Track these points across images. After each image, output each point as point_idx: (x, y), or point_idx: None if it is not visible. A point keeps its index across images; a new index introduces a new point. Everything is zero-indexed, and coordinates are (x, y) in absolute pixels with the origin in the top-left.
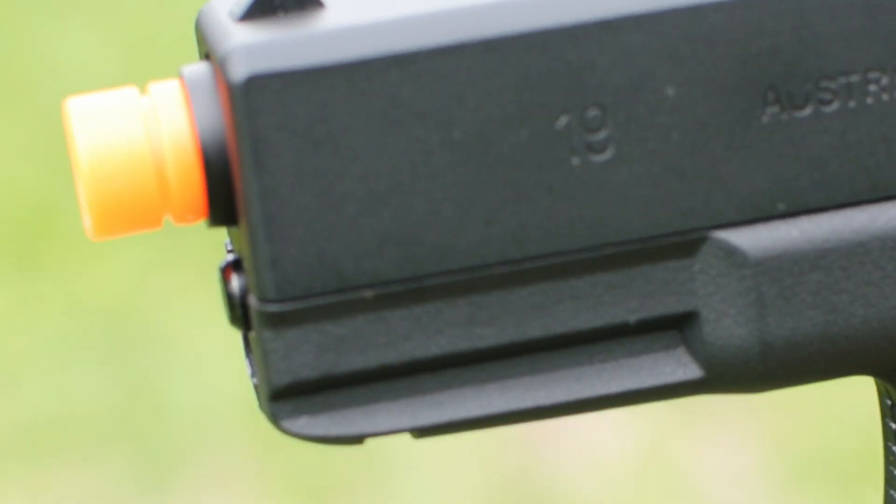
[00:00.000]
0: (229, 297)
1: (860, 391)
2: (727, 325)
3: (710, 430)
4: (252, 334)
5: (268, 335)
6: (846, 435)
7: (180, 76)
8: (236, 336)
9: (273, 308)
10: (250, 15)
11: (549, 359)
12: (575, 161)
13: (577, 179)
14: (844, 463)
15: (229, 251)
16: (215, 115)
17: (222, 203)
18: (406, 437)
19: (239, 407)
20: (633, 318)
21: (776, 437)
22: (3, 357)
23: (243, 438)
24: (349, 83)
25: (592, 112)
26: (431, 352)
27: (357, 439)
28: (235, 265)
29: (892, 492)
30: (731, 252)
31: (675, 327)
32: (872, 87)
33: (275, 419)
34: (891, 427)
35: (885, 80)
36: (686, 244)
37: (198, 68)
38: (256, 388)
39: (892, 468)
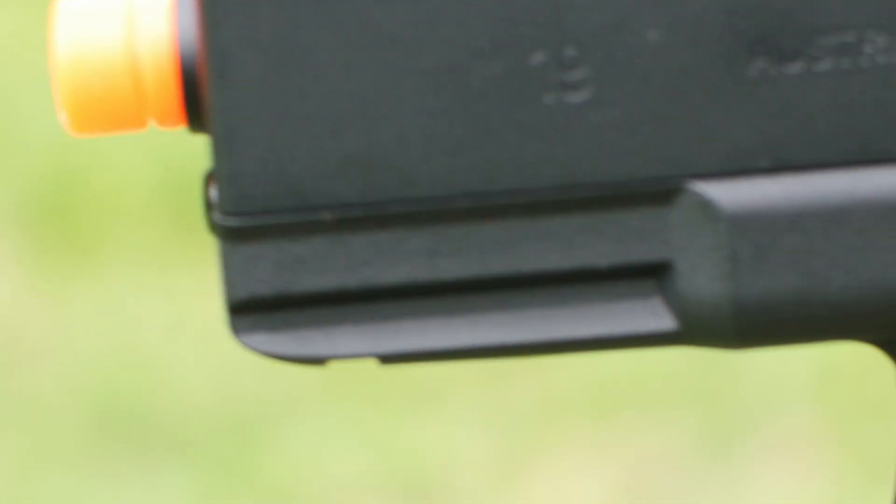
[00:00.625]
0: (207, 205)
1: None
2: (700, 279)
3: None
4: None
5: (227, 248)
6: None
7: None
8: None
9: (231, 221)
10: None
11: (520, 297)
12: (548, 99)
13: (549, 118)
14: None
15: None
16: (195, 23)
17: (199, 113)
18: None
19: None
20: (604, 262)
21: None
22: None
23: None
24: (317, 2)
25: (569, 51)
26: (393, 279)
27: (318, 361)
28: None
29: None
30: (706, 204)
31: (652, 276)
32: (868, 48)
33: (234, 332)
34: None
35: (881, 42)
36: (662, 193)
37: None
38: None
39: None
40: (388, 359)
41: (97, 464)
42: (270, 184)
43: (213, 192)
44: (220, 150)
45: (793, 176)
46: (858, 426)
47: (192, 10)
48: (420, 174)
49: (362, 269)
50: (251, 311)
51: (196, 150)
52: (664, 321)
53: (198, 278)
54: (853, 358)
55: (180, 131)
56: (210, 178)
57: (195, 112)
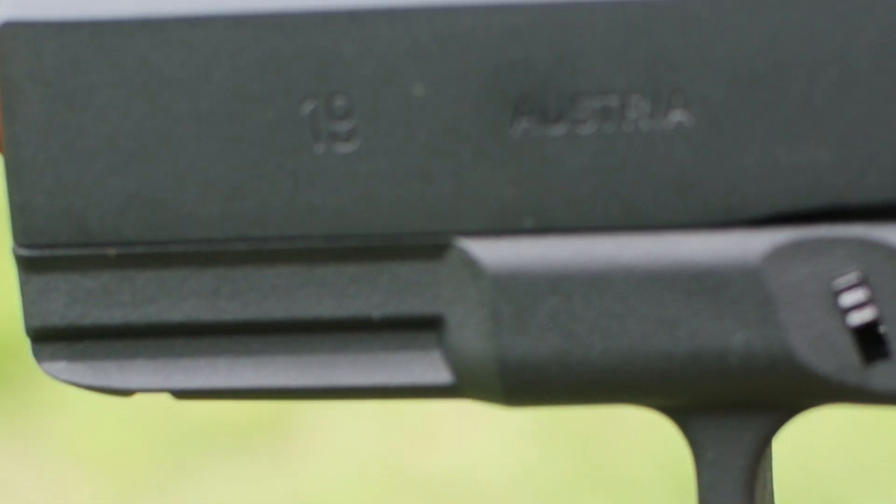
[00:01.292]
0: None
1: None
2: (468, 335)
3: None
4: None
5: (22, 277)
6: None
7: None
8: None
9: (22, 252)
10: None
11: (304, 342)
12: (319, 148)
13: (320, 166)
14: None
15: None
16: None
17: None
18: None
19: None
20: (377, 313)
21: None
22: None
23: None
24: (99, 42)
25: (339, 101)
26: (176, 317)
27: (119, 392)
28: None
29: None
30: (471, 262)
31: (430, 329)
32: (631, 113)
33: (36, 359)
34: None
35: (644, 106)
36: (432, 247)
37: None
38: None
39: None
40: (180, 394)
41: None
42: (58, 217)
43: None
44: (10, 182)
45: (557, 238)
46: None
47: None
48: (197, 216)
49: (147, 305)
50: (50, 339)
51: None
52: (441, 374)
53: None
54: None
55: None
56: None
57: None
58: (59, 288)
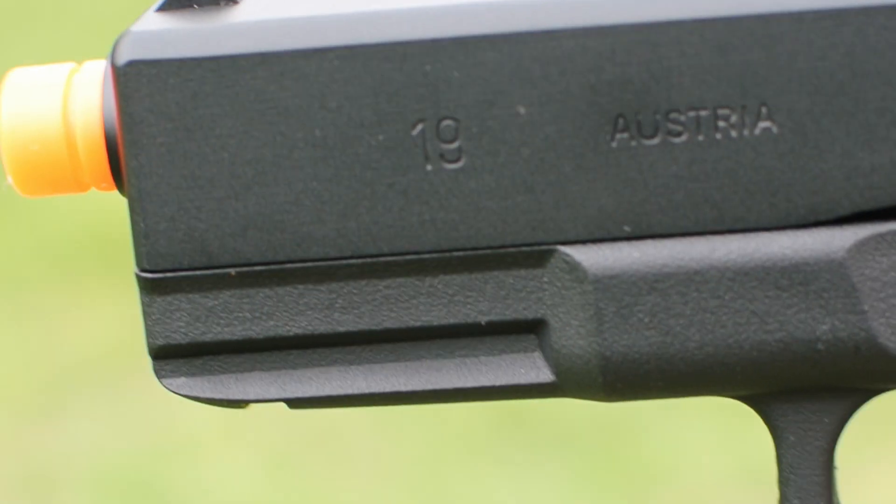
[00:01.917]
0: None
1: None
2: (570, 336)
3: None
4: None
5: (145, 299)
6: None
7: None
8: None
9: (146, 276)
10: (168, 6)
11: (412, 349)
12: (429, 167)
13: (430, 185)
14: None
15: None
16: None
17: (122, 177)
18: None
19: None
20: (484, 319)
21: None
22: None
23: None
24: (219, 76)
25: (447, 123)
26: (293, 331)
27: (236, 403)
28: None
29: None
30: (574, 267)
31: (532, 332)
32: (721, 123)
33: (157, 376)
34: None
35: (734, 118)
36: (535, 255)
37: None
38: None
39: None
40: (294, 403)
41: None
42: (180, 242)
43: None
44: (135, 211)
45: (652, 242)
46: None
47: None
48: (314, 235)
49: (266, 320)
50: (170, 357)
51: None
52: (542, 374)
53: None
54: None
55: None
56: None
57: (119, 176)
58: (181, 308)
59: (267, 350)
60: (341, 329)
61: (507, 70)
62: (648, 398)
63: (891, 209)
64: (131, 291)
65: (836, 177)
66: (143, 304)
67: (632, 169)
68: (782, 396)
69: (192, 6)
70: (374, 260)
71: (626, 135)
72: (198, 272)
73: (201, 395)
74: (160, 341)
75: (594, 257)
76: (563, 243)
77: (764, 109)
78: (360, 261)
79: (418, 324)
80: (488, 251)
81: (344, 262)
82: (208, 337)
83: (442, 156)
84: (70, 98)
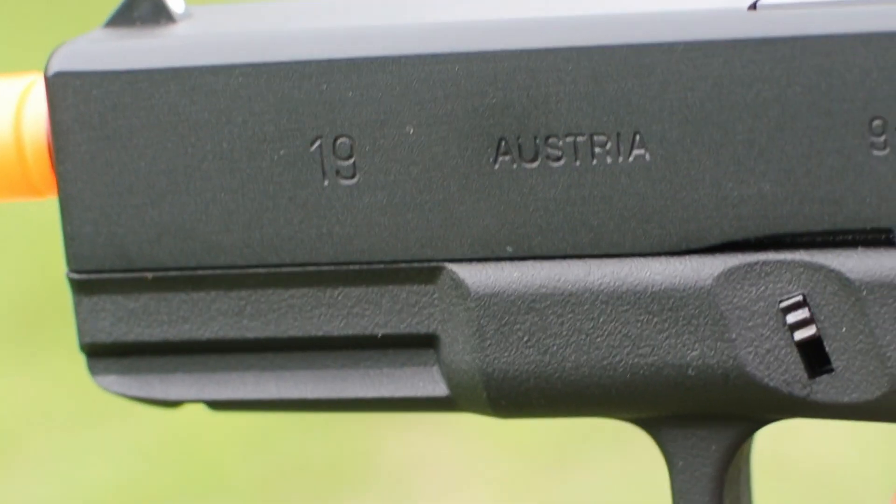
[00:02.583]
0: None
1: None
2: (458, 351)
3: None
4: None
5: (74, 299)
6: None
7: None
8: None
9: (73, 276)
10: (113, 22)
11: (320, 358)
12: (326, 183)
13: (327, 199)
14: None
15: None
16: None
17: None
18: None
19: None
20: (380, 332)
21: None
22: None
23: None
24: (136, 89)
25: (342, 140)
26: (207, 335)
27: (162, 403)
28: None
29: None
30: (459, 284)
31: (430, 346)
32: (597, 150)
33: (91, 373)
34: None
35: (609, 145)
36: (425, 272)
37: None
38: None
39: None
40: (214, 405)
41: None
42: (102, 245)
43: None
44: (63, 214)
45: (533, 263)
46: None
47: None
48: (222, 244)
49: (182, 324)
50: (100, 355)
51: None
52: (439, 388)
53: None
54: None
55: None
56: None
57: None
58: (105, 308)
59: (186, 352)
60: (250, 335)
61: (397, 91)
62: (536, 416)
63: (760, 240)
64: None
65: (706, 206)
66: (74, 304)
67: (513, 191)
68: (672, 421)
69: (135, 24)
70: (278, 270)
71: (507, 158)
72: (118, 275)
73: (129, 392)
74: (87, 339)
75: (477, 275)
76: (451, 261)
77: (637, 137)
78: (265, 270)
79: (320, 333)
80: (382, 266)
81: (250, 270)
82: (130, 337)
83: (338, 172)
84: (24, 106)
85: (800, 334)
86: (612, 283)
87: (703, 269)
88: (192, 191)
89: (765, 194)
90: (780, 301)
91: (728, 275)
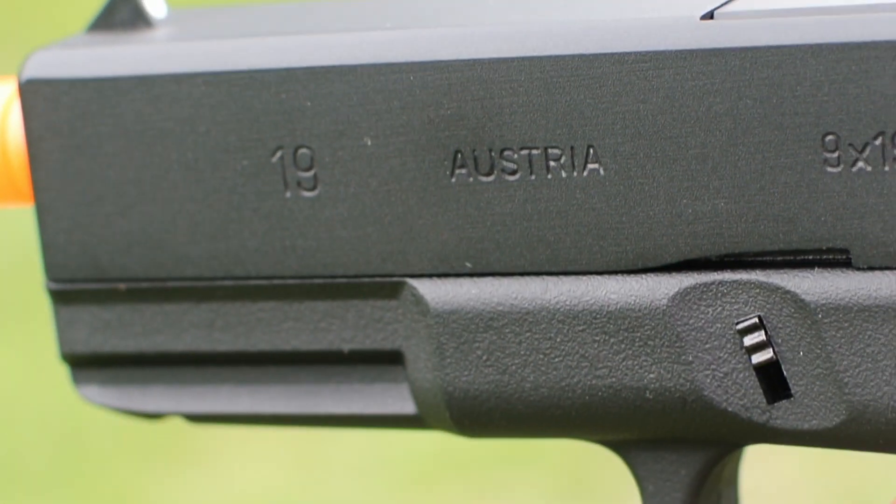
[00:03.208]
0: None
1: None
2: (421, 369)
3: None
4: None
5: (54, 308)
6: None
7: None
8: None
9: (51, 285)
10: (94, 27)
11: (293, 372)
12: (288, 194)
13: (289, 211)
14: None
15: None
16: None
17: None
18: None
19: None
20: (347, 347)
21: None
22: None
23: None
24: (103, 97)
25: (303, 151)
26: (180, 347)
27: (145, 415)
28: None
29: None
30: (419, 300)
31: (398, 363)
32: (552, 163)
33: (73, 383)
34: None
35: (563, 158)
36: (388, 287)
37: None
38: None
39: None
40: (191, 418)
41: None
42: (76, 255)
43: None
44: (38, 223)
45: (491, 280)
46: None
47: None
48: (189, 255)
49: (155, 335)
50: (80, 365)
51: None
52: (407, 405)
53: None
54: None
55: None
56: None
57: None
58: (82, 318)
59: (162, 364)
60: (222, 348)
61: (355, 101)
62: (501, 436)
63: (717, 259)
64: None
65: (661, 223)
66: (53, 313)
67: (470, 205)
68: (641, 445)
69: (115, 28)
70: (245, 283)
71: (464, 171)
72: (92, 285)
73: (110, 403)
74: (67, 349)
75: (436, 292)
76: (412, 276)
77: (591, 151)
78: (232, 282)
79: (289, 347)
80: (345, 280)
81: (218, 282)
82: (107, 348)
83: (299, 183)
84: (9, 111)
85: (757, 357)
86: (568, 302)
87: (659, 289)
88: (160, 201)
89: (719, 211)
90: (737, 322)
91: (684, 295)
